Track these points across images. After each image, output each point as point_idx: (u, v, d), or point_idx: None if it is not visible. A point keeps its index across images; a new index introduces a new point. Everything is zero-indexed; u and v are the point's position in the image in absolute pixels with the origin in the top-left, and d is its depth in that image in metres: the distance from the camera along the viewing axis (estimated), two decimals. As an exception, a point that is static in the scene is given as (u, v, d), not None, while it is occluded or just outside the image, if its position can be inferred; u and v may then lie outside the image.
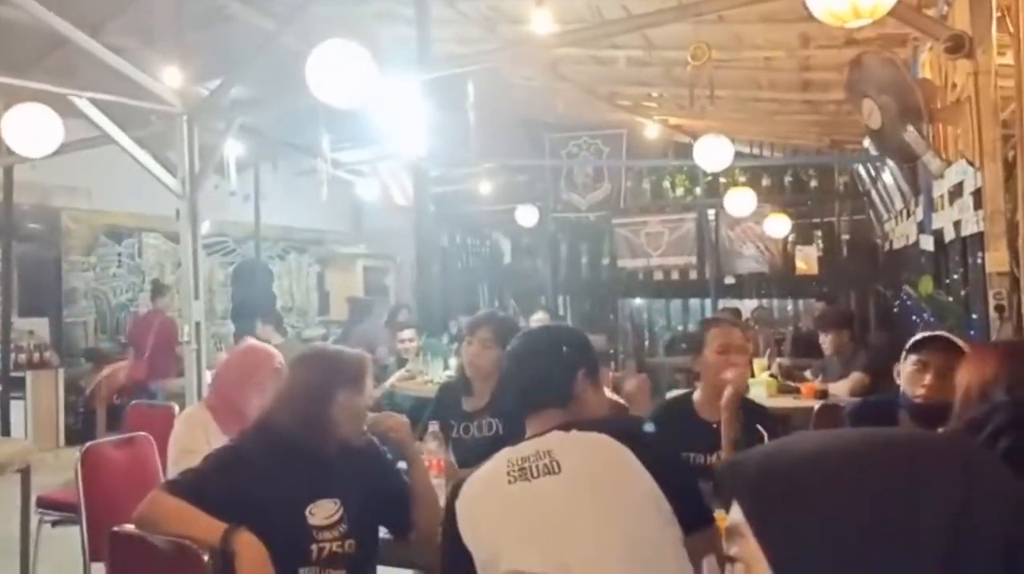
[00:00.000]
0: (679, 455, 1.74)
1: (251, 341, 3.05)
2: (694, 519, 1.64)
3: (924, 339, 2.41)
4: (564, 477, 1.64)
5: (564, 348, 1.89)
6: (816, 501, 0.57)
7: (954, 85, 4.65)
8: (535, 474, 1.67)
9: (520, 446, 1.75)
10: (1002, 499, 0.57)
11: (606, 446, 1.66)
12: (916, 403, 2.32)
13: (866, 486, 0.57)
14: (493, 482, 1.71)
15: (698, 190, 9.81)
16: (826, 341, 5.20)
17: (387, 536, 2.26)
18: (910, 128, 4.46)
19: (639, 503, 1.62)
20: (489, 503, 1.71)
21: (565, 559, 1.59)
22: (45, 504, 3.87)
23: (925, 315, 4.89)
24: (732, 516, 0.62)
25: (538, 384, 1.84)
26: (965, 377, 1.67)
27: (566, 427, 1.72)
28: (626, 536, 1.59)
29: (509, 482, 1.68)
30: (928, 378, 2.32)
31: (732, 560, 0.62)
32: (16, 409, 6.97)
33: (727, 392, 2.59)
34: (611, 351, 9.48)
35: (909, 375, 2.37)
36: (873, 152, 6.43)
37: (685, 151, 7.92)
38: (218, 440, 2.63)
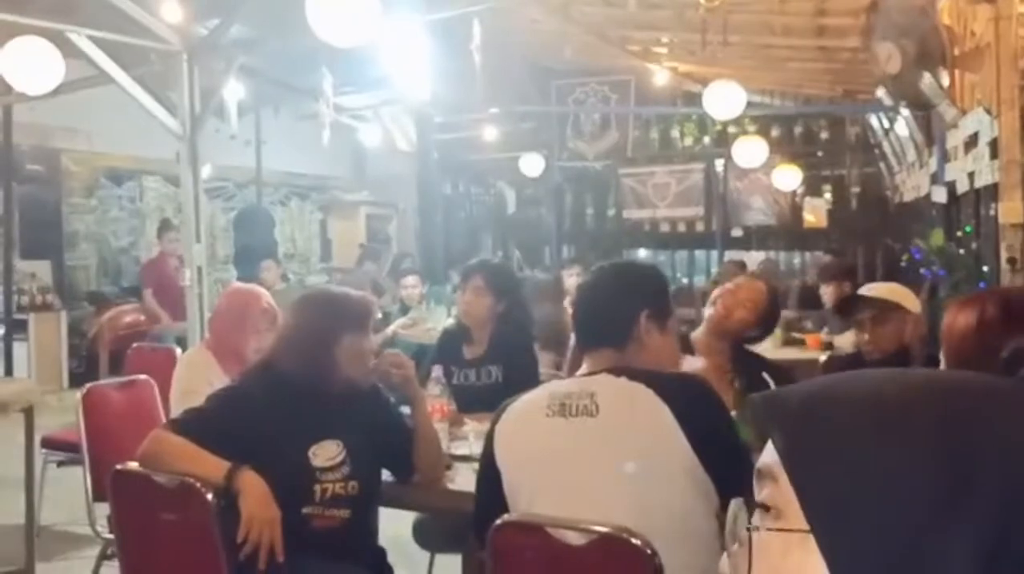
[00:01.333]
0: (731, 424, 1.67)
1: (236, 284, 3.04)
2: (733, 494, 1.59)
3: (846, 304, 2.71)
4: (598, 421, 1.63)
5: (628, 286, 1.84)
6: (864, 443, 0.52)
7: (973, 32, 4.54)
8: (573, 413, 1.66)
9: (566, 381, 1.76)
10: None
11: (647, 401, 1.61)
12: (873, 360, 2.51)
13: (922, 433, 0.52)
14: (532, 412, 1.72)
15: (707, 140, 9.67)
16: (826, 292, 5.17)
17: (389, 478, 2.26)
18: (926, 75, 4.36)
19: (666, 467, 1.58)
20: (524, 431, 1.73)
21: (572, 503, 1.58)
22: (49, 444, 3.90)
23: (934, 268, 4.84)
24: (764, 457, 0.58)
25: (596, 320, 1.80)
26: (952, 325, 1.62)
27: (617, 371, 1.68)
28: (639, 499, 1.56)
29: (547, 415, 1.68)
30: (865, 335, 2.53)
31: (762, 506, 0.57)
32: (19, 351, 7.00)
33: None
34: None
35: (857, 339, 2.63)
36: (887, 102, 6.31)
37: (694, 100, 7.79)
38: (220, 381, 2.63)
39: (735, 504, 0.60)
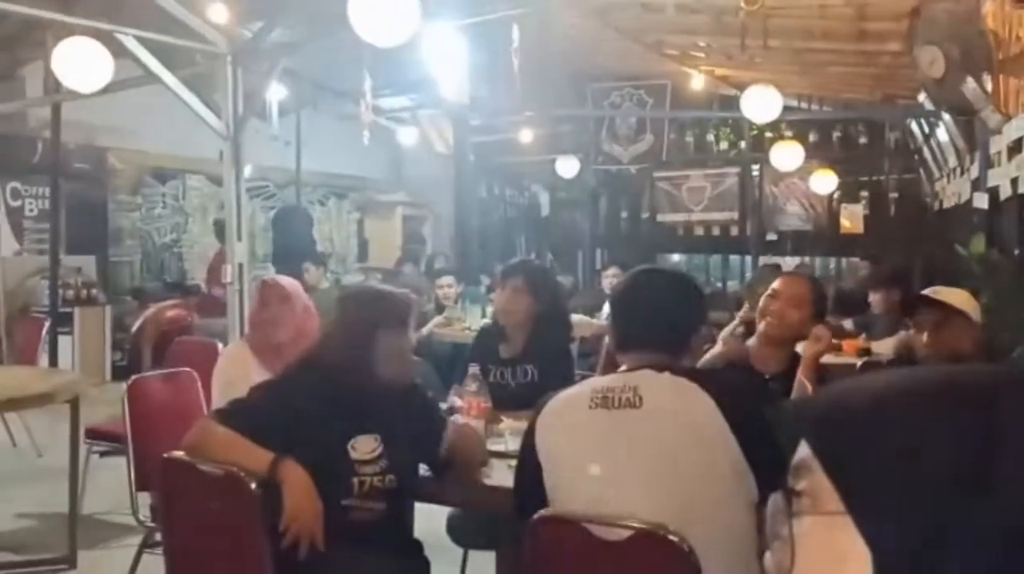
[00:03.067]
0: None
1: (263, 277, 3.12)
2: (773, 488, 1.61)
3: (912, 303, 2.56)
4: (643, 412, 1.65)
5: (693, 297, 1.84)
6: (890, 431, 0.55)
7: (1019, 37, 4.47)
8: (616, 405, 1.68)
9: (607, 377, 1.77)
10: None
11: (692, 395, 1.63)
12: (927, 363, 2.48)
13: (944, 417, 0.55)
14: (574, 404, 1.74)
15: (743, 144, 9.61)
16: (875, 299, 5.11)
17: (426, 473, 2.29)
18: (970, 80, 4.30)
19: (710, 459, 1.60)
20: (566, 423, 1.75)
21: (614, 493, 1.60)
22: (93, 435, 3.98)
23: (975, 275, 4.77)
24: (798, 455, 0.60)
25: (652, 324, 1.78)
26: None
27: (659, 368, 1.70)
28: (681, 489, 1.58)
29: (590, 407, 1.70)
30: (925, 337, 2.50)
31: (797, 494, 0.60)
32: (64, 344, 7.16)
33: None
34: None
35: (915, 340, 2.58)
36: (929, 107, 6.23)
37: (730, 104, 7.75)
38: (259, 375, 2.68)
39: (773, 501, 0.62)
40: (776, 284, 2.79)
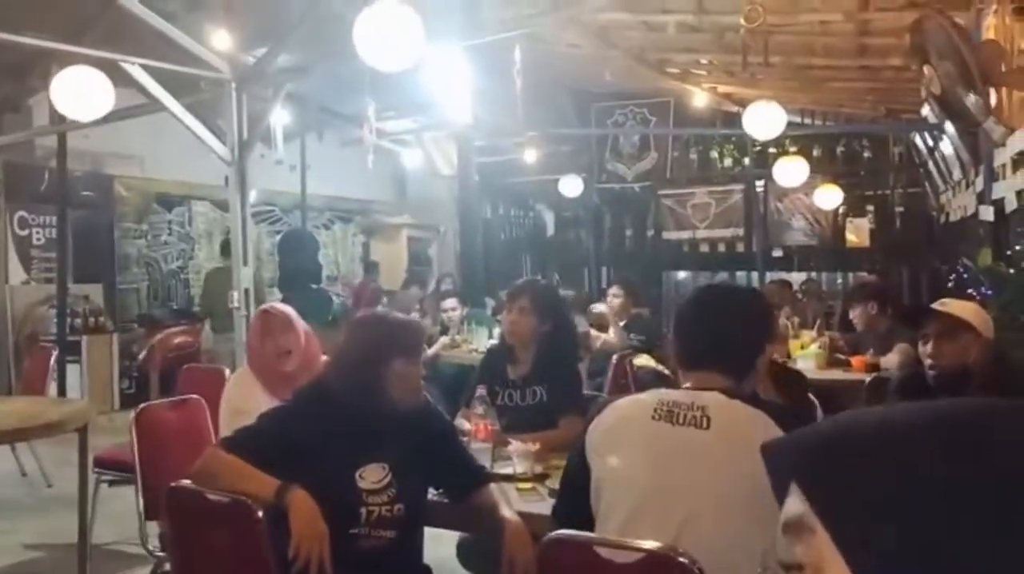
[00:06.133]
0: None
1: (263, 306, 3.13)
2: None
3: (917, 314, 2.57)
4: (709, 436, 1.61)
5: (759, 316, 1.80)
6: (886, 472, 0.53)
7: (1020, 50, 4.47)
8: (681, 421, 1.64)
9: (674, 391, 1.73)
10: None
11: (764, 426, 1.57)
12: (931, 374, 2.44)
13: (936, 452, 0.53)
14: (637, 411, 1.71)
15: (746, 160, 9.61)
16: (855, 315, 5.10)
17: (435, 498, 2.27)
18: (972, 94, 4.31)
19: (771, 496, 1.57)
20: (625, 427, 1.71)
21: (661, 506, 1.58)
22: (101, 464, 3.96)
23: (983, 288, 4.74)
24: (789, 508, 0.57)
25: (718, 346, 1.73)
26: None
27: (728, 393, 1.66)
28: (734, 518, 1.54)
29: (653, 418, 1.67)
30: (930, 348, 2.45)
31: (798, 568, 0.55)
32: (72, 372, 7.15)
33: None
34: (656, 325, 9.40)
35: (921, 352, 2.51)
36: (932, 120, 6.23)
37: (733, 121, 7.76)
38: (265, 400, 2.68)
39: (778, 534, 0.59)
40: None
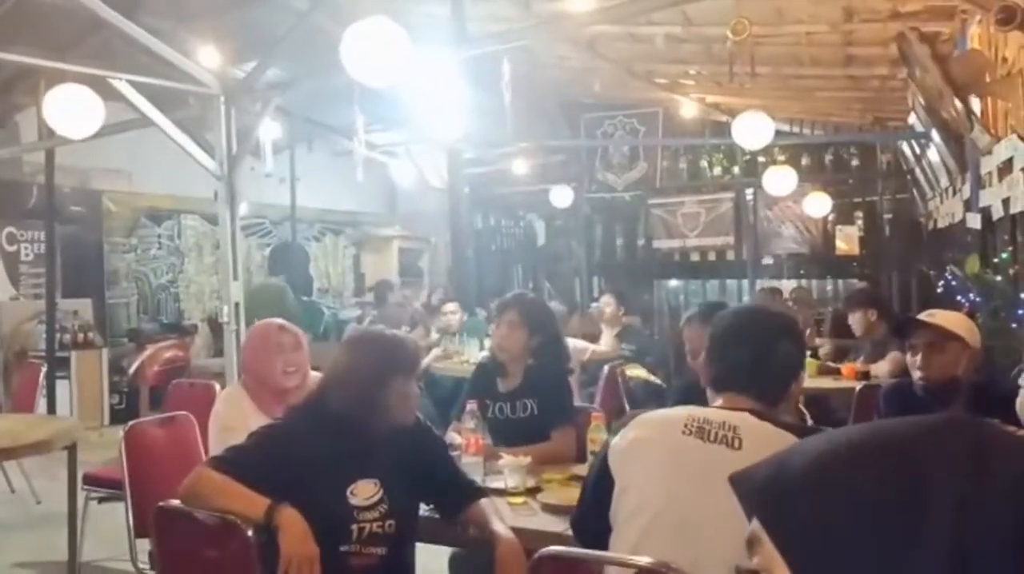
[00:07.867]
0: None
1: (274, 320, 3.10)
2: None
3: (905, 325, 2.60)
4: (740, 456, 1.60)
5: (794, 341, 1.78)
6: (824, 498, 0.57)
7: (1004, 59, 4.51)
8: (711, 439, 1.63)
9: (705, 409, 1.72)
10: (1016, 481, 0.54)
11: None
12: (920, 385, 2.47)
13: (871, 478, 0.56)
14: (667, 425, 1.70)
15: (736, 169, 9.66)
16: (853, 321, 5.13)
17: (426, 513, 2.27)
18: (957, 103, 4.34)
19: None
20: (654, 440, 1.70)
21: (682, 521, 1.58)
22: (91, 481, 3.94)
23: (971, 295, 4.77)
24: (751, 525, 0.62)
25: (755, 371, 1.72)
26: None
27: (759, 415, 1.66)
28: None
29: (683, 432, 1.66)
30: (918, 359, 2.47)
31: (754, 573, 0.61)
32: (62, 388, 7.11)
33: None
34: (647, 335, 9.42)
35: (909, 362, 2.54)
36: (919, 128, 6.28)
37: (722, 130, 7.80)
38: (255, 417, 2.67)
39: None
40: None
